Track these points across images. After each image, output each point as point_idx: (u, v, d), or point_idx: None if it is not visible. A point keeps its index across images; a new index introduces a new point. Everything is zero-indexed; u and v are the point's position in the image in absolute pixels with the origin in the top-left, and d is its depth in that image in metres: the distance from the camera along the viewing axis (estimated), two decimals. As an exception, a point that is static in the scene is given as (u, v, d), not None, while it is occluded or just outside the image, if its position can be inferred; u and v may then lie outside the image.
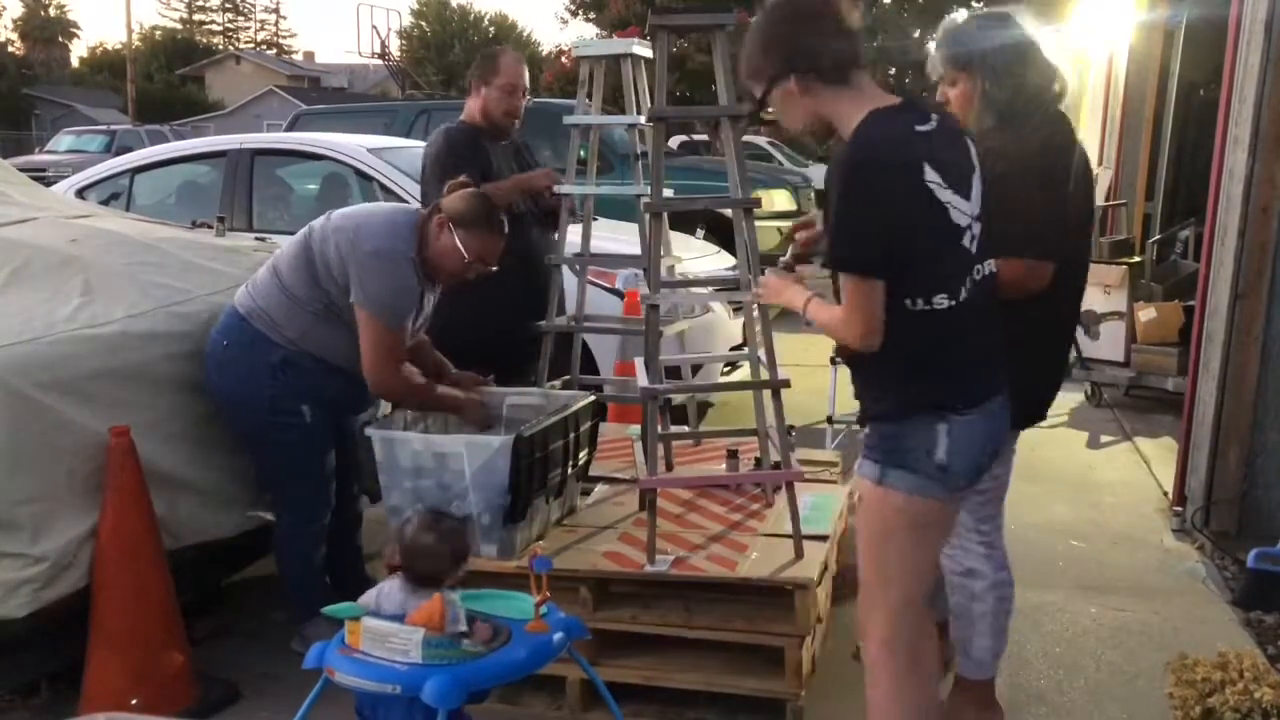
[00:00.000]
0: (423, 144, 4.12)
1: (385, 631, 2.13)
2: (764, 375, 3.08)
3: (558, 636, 2.25)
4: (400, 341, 2.97)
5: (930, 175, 1.98)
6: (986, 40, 2.48)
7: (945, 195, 2.00)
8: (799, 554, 2.90)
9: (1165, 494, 4.77)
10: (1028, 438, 5.88)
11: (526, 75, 3.94)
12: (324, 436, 3.09)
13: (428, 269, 2.99)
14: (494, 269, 3.05)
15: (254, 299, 3.03)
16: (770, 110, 2.13)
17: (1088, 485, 5.04)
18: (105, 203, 5.81)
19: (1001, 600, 2.74)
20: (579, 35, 34.46)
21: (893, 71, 6.05)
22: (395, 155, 5.69)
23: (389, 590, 2.27)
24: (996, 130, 2.45)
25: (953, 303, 2.03)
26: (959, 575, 2.74)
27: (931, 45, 2.63)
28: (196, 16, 67.01)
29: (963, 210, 2.04)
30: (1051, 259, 2.46)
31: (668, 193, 3.25)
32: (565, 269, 3.93)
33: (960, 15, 2.65)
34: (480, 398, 3.21)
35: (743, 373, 5.38)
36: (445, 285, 3.09)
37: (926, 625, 2.26)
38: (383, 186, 5.50)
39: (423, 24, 46.53)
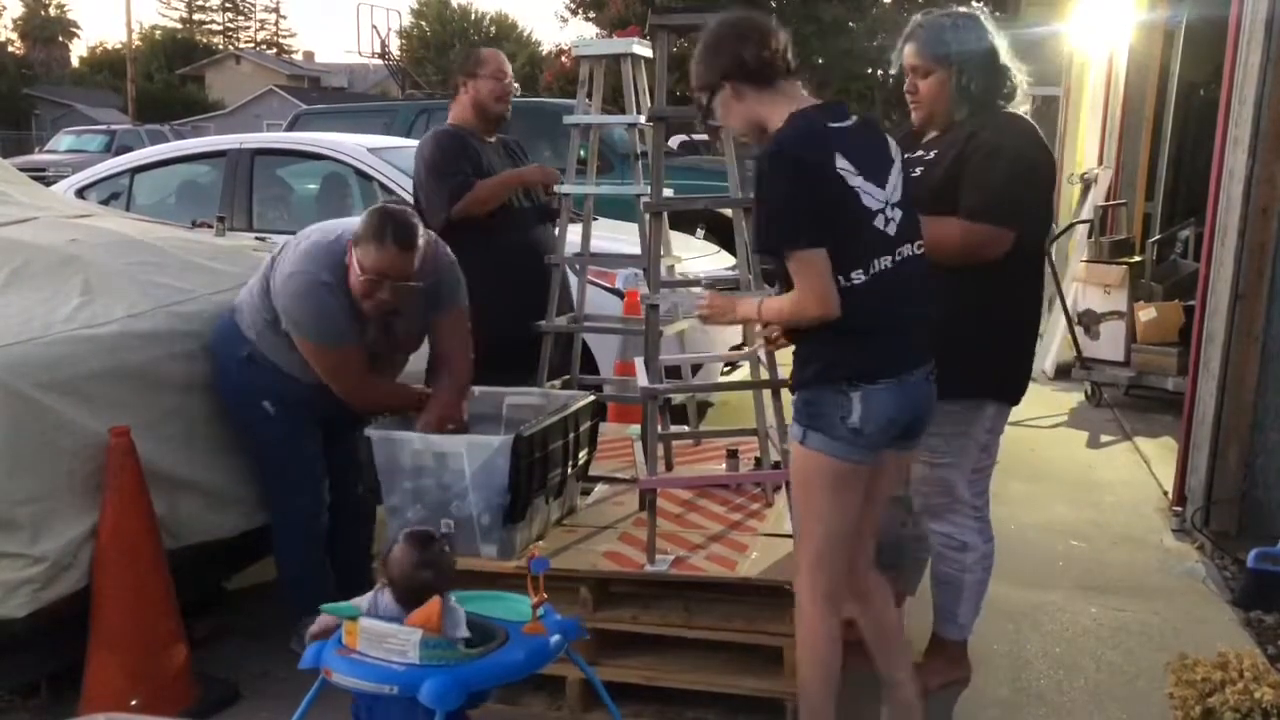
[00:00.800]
0: (418, 144, 4.12)
1: (383, 632, 2.13)
2: (764, 375, 3.08)
3: (555, 639, 2.26)
4: (346, 359, 2.96)
5: (841, 163, 2.24)
6: (964, 39, 2.75)
7: (855, 181, 2.25)
8: (799, 554, 2.89)
9: (1165, 494, 4.77)
10: (1028, 438, 5.94)
11: (508, 63, 3.96)
12: (294, 434, 3.08)
13: (353, 295, 2.92)
14: (407, 289, 2.90)
15: (241, 295, 3.11)
16: (715, 117, 2.42)
17: (1088, 485, 5.04)
18: (105, 203, 5.81)
19: (987, 570, 3.03)
20: (579, 35, 34.44)
21: (894, 71, 6.07)
22: (395, 155, 5.69)
23: (386, 602, 2.25)
24: (969, 119, 2.75)
25: (867, 278, 2.26)
26: (953, 550, 2.96)
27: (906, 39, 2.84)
28: (196, 16, 67.06)
29: (875, 196, 2.29)
30: (1009, 228, 2.71)
31: (668, 193, 3.25)
32: (569, 268, 3.93)
33: (933, 12, 2.86)
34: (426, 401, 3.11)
35: (743, 373, 5.38)
36: (373, 314, 2.95)
37: (844, 574, 2.47)
38: (383, 186, 5.50)
39: (423, 24, 46.56)
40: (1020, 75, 2.82)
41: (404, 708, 2.11)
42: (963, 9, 2.82)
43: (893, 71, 2.90)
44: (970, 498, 2.95)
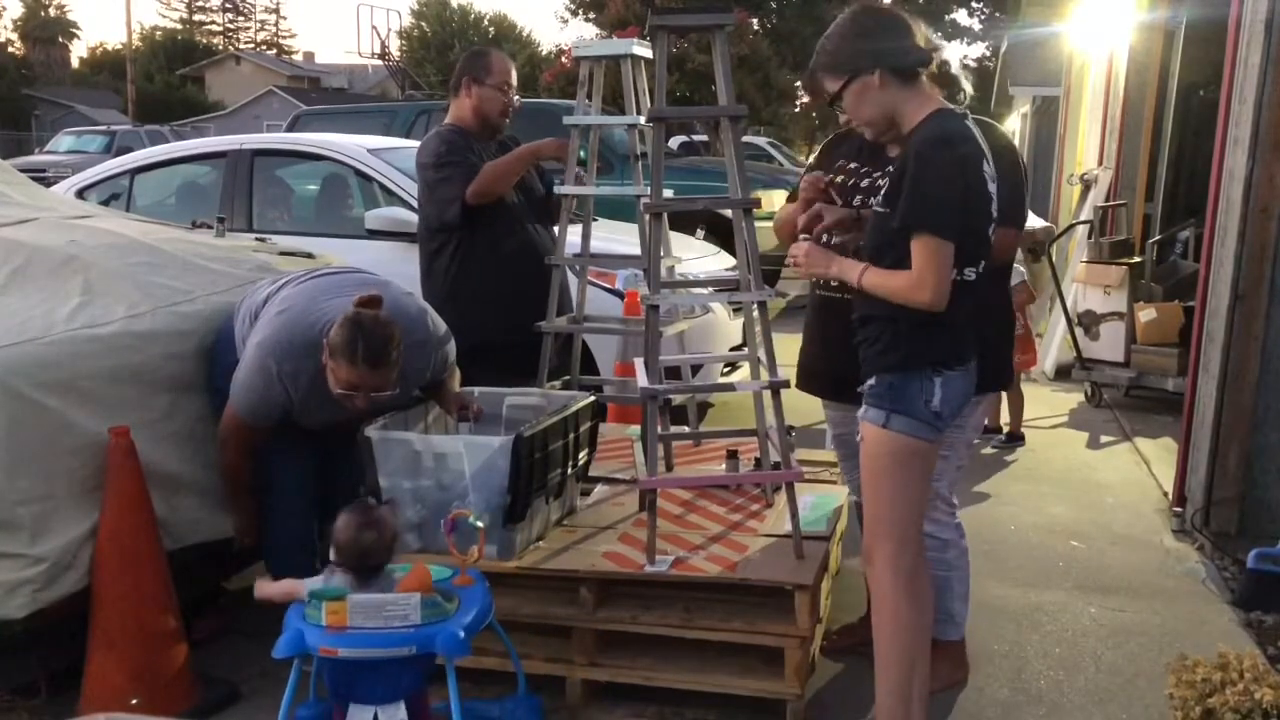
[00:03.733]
0: (420, 143, 4.10)
1: (380, 603, 2.28)
2: (764, 375, 3.08)
3: (485, 584, 2.55)
4: (245, 430, 2.96)
5: (987, 168, 2.37)
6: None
7: (991, 187, 2.38)
8: (799, 554, 2.90)
9: (1165, 494, 4.77)
10: (1028, 438, 5.92)
11: (515, 73, 3.94)
12: (278, 438, 3.05)
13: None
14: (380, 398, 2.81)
15: (240, 305, 3.13)
16: (842, 102, 2.45)
17: (1088, 485, 5.05)
18: (105, 203, 5.81)
19: (967, 564, 3.09)
20: (579, 35, 34.49)
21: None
22: (395, 155, 5.69)
23: (337, 581, 2.37)
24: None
25: (977, 276, 2.41)
26: (936, 550, 2.96)
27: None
28: (196, 17, 67.08)
29: (995, 202, 2.41)
30: (1019, 229, 2.90)
31: (668, 193, 3.25)
32: (569, 269, 3.92)
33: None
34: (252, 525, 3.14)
35: (742, 373, 5.38)
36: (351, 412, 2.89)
37: (924, 554, 2.57)
38: (382, 187, 5.50)
39: (423, 24, 46.52)
40: (965, 83, 2.76)
41: (391, 673, 2.31)
42: None
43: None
44: (946, 493, 3.00)
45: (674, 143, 16.59)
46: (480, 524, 2.61)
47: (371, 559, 2.38)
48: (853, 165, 2.95)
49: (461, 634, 2.31)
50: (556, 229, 3.89)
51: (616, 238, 5.16)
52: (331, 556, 2.40)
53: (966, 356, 2.46)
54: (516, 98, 3.90)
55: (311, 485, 3.13)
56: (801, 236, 2.72)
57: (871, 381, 2.46)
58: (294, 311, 2.95)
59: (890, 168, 2.82)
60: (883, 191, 2.47)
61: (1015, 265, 4.01)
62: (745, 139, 18.87)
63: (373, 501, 2.48)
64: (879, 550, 2.51)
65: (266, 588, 2.48)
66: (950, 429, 2.88)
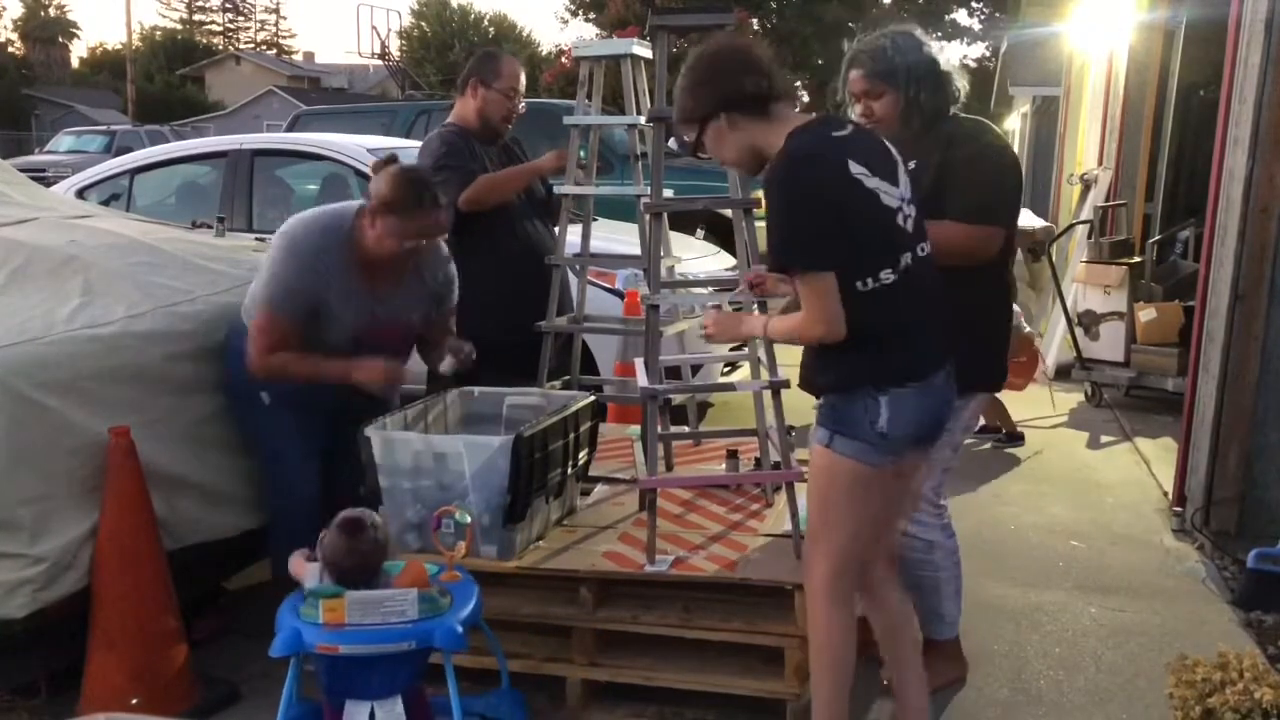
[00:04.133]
0: (422, 143, 4.10)
1: (378, 599, 2.31)
2: (764, 375, 3.08)
3: (469, 580, 2.58)
4: (275, 327, 2.94)
5: (855, 168, 2.24)
6: (907, 56, 2.82)
7: (873, 183, 2.26)
8: (799, 554, 2.89)
9: (1165, 494, 4.77)
10: (1028, 438, 5.92)
11: (523, 79, 3.93)
12: (288, 427, 3.07)
13: (367, 261, 2.97)
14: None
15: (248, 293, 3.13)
16: (704, 150, 2.42)
17: (1088, 485, 5.05)
18: (105, 203, 5.81)
19: (957, 564, 3.06)
20: (579, 35, 34.51)
21: (839, 99, 6.05)
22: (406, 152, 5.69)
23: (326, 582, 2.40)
24: (922, 132, 2.82)
25: (897, 275, 2.27)
26: (921, 552, 2.99)
27: (850, 66, 2.92)
28: (196, 17, 67.06)
29: (892, 195, 2.30)
30: (1004, 227, 2.82)
31: (668, 193, 3.25)
32: (569, 269, 3.92)
33: (895, 28, 2.93)
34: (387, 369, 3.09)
35: (742, 373, 5.38)
36: (389, 271, 3.03)
37: (859, 578, 2.48)
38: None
39: (423, 24, 46.50)
40: (962, 81, 2.90)
41: (388, 669, 2.35)
42: (896, 27, 2.91)
43: (838, 100, 2.96)
44: (932, 495, 2.97)
45: (674, 142, 16.60)
46: (467, 520, 2.63)
47: (358, 576, 2.39)
48: None
49: (459, 629, 2.34)
50: (557, 229, 3.89)
51: (616, 238, 5.16)
52: (318, 553, 2.43)
53: (918, 372, 2.31)
54: (522, 104, 3.91)
55: (318, 479, 3.15)
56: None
57: (819, 401, 2.39)
58: (305, 213, 3.07)
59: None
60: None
61: (1016, 307, 4.00)
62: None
63: (364, 514, 2.47)
64: (815, 570, 2.44)
65: (297, 564, 2.51)
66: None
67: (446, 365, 3.19)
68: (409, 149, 5.77)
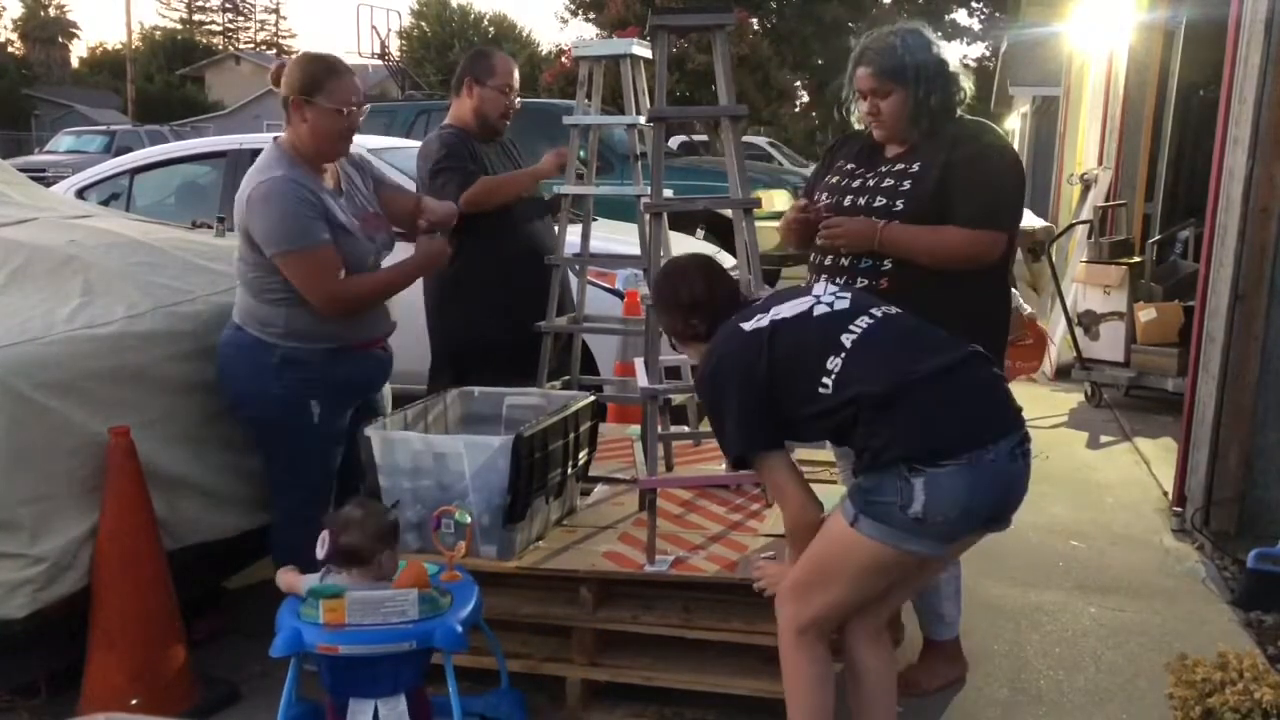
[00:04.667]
0: (421, 144, 4.10)
1: (378, 599, 2.31)
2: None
3: (469, 580, 2.58)
4: (324, 257, 2.88)
5: (762, 359, 2.22)
6: (915, 55, 2.76)
7: (791, 333, 2.24)
8: (799, 554, 2.90)
9: (1165, 494, 4.77)
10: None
11: (517, 75, 3.93)
12: (333, 437, 3.07)
13: (317, 156, 2.96)
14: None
15: (240, 307, 3.03)
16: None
17: (1088, 485, 5.05)
18: (105, 203, 5.81)
19: (956, 565, 2.98)
20: (579, 35, 34.48)
21: (844, 96, 6.05)
22: (395, 155, 5.68)
23: (334, 581, 2.40)
24: (929, 133, 2.79)
25: (844, 358, 2.18)
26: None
27: (856, 64, 2.87)
28: (196, 17, 67.08)
29: (801, 306, 2.30)
30: (1007, 231, 2.80)
31: (668, 193, 3.25)
32: (568, 269, 3.92)
33: (903, 26, 2.89)
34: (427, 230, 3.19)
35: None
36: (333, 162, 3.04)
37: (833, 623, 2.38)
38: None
39: (423, 24, 46.50)
40: (967, 81, 2.88)
41: (391, 669, 2.35)
42: (905, 25, 2.86)
43: (843, 97, 2.93)
44: None
45: (674, 143, 16.60)
46: (467, 520, 2.63)
47: (365, 552, 2.40)
48: (849, 166, 2.94)
49: (459, 628, 2.35)
50: (558, 229, 3.89)
51: (616, 238, 5.16)
52: (320, 554, 2.42)
53: (959, 448, 2.07)
54: (518, 100, 3.90)
55: (336, 468, 3.14)
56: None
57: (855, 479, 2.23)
58: (246, 177, 2.96)
59: (884, 169, 2.85)
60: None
61: (1014, 290, 4.00)
62: (745, 139, 18.87)
63: (370, 508, 2.50)
64: (785, 611, 2.32)
65: (285, 577, 2.51)
66: None
67: (425, 222, 3.19)
68: (409, 149, 5.77)
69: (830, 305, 2.30)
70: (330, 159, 3.03)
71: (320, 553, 2.42)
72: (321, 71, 2.94)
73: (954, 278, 2.70)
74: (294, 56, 3.01)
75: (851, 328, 2.23)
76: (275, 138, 3.04)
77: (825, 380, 2.18)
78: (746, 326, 2.30)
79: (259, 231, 2.87)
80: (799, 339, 2.25)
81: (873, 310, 2.30)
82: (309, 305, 2.92)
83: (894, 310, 2.32)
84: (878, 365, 2.16)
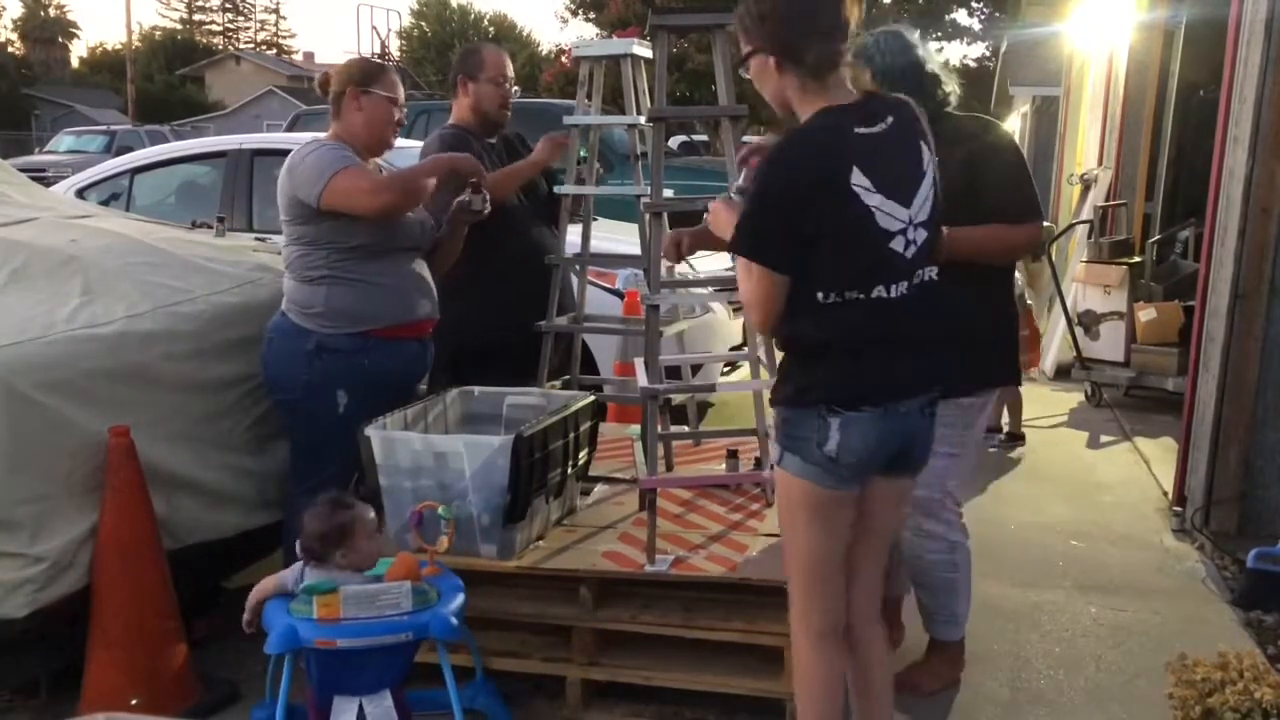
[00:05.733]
0: (423, 144, 4.10)
1: (373, 593, 2.36)
2: (764, 375, 3.08)
3: (450, 574, 2.61)
4: (363, 170, 3.08)
5: (858, 179, 2.05)
6: (889, 58, 2.82)
7: (873, 200, 2.07)
8: (799, 554, 2.89)
9: (1165, 494, 4.77)
10: (1028, 438, 5.90)
11: (510, 65, 3.94)
12: (355, 429, 3.06)
13: (367, 145, 3.17)
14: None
15: (285, 293, 3.14)
16: (748, 69, 2.23)
17: (1088, 485, 5.05)
18: (105, 203, 5.81)
19: (970, 563, 3.05)
20: (579, 35, 34.45)
21: None
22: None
23: (313, 577, 2.43)
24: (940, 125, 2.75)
25: (866, 299, 2.10)
26: (944, 553, 2.99)
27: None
28: (196, 17, 67.13)
29: (896, 216, 2.10)
30: (1041, 221, 2.91)
31: (668, 193, 3.25)
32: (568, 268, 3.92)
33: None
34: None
35: (742, 373, 5.38)
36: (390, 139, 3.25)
37: (837, 608, 2.31)
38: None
39: (423, 24, 46.55)
40: (952, 83, 2.89)
41: (380, 663, 2.39)
42: (887, 28, 2.90)
43: None
44: (958, 495, 3.00)
45: (674, 143, 16.61)
46: (448, 515, 2.64)
47: (330, 542, 2.44)
48: None
49: (454, 619, 2.38)
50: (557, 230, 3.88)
51: (616, 238, 5.16)
52: (298, 549, 2.46)
53: (876, 397, 2.13)
54: (515, 87, 3.91)
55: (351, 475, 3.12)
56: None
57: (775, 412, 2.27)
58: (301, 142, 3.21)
59: None
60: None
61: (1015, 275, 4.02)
62: (745, 139, 18.85)
63: (342, 501, 2.54)
64: (792, 603, 2.32)
65: (263, 586, 2.51)
66: (966, 429, 2.89)
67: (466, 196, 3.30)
68: (410, 149, 5.76)
69: (908, 244, 2.12)
70: (378, 150, 3.23)
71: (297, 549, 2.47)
72: (375, 68, 3.29)
73: (969, 275, 2.66)
74: (346, 63, 3.29)
75: (898, 285, 2.12)
76: (315, 137, 3.24)
77: (830, 295, 2.09)
78: (861, 130, 2.08)
79: (302, 182, 3.01)
80: (859, 236, 2.08)
81: (922, 272, 2.17)
82: (350, 283, 3.04)
83: (933, 276, 2.21)
84: (872, 323, 2.11)
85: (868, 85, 2.75)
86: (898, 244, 2.11)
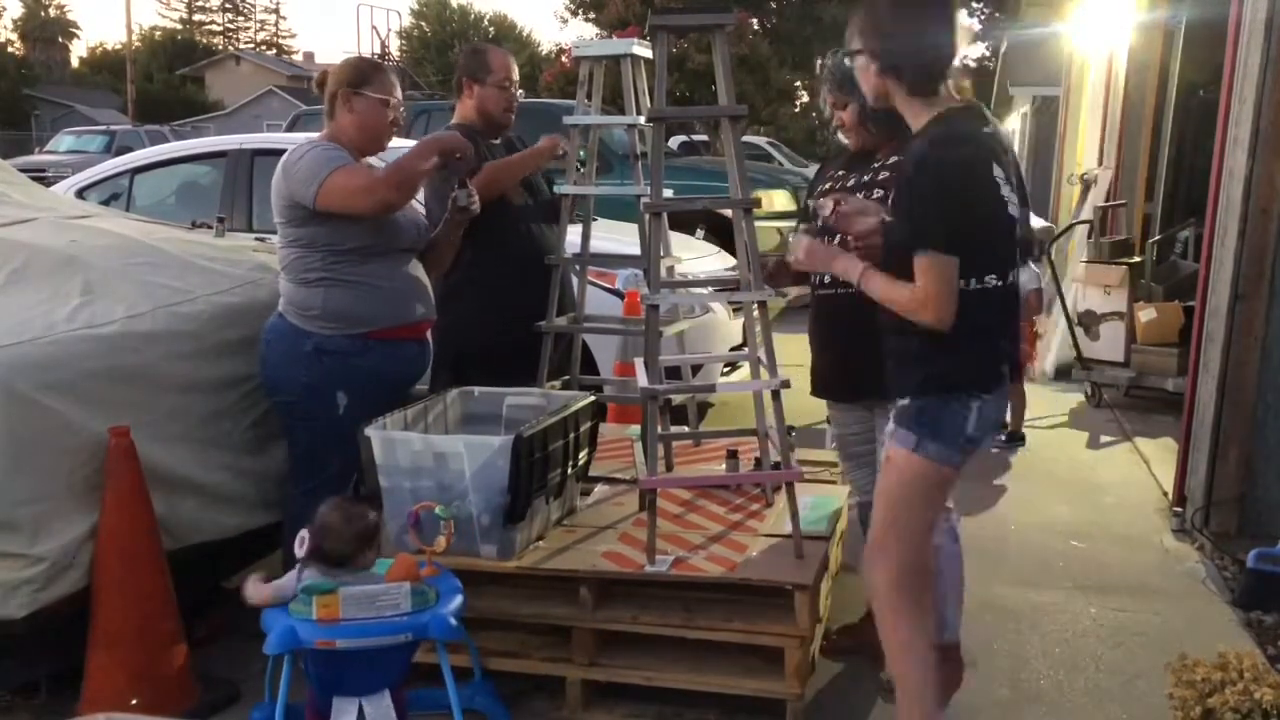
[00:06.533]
0: (407, 142, 4.09)
1: (373, 594, 2.36)
2: (764, 375, 3.08)
3: (445, 574, 2.61)
4: (357, 172, 3.06)
5: (997, 171, 2.26)
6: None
7: (1005, 191, 2.28)
8: (799, 554, 2.90)
9: (1165, 494, 4.77)
10: (1028, 438, 5.88)
11: (515, 69, 3.93)
12: (352, 435, 3.06)
13: (360, 148, 3.17)
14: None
15: (282, 294, 3.14)
16: (858, 59, 2.38)
17: (1088, 485, 5.05)
18: (105, 203, 5.80)
19: (955, 566, 3.03)
20: (579, 35, 34.44)
21: (827, 114, 6.03)
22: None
23: (308, 575, 2.43)
24: (881, 138, 2.90)
25: (1000, 284, 2.29)
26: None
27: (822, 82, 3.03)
28: (196, 17, 67.13)
29: (1014, 206, 2.32)
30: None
31: (668, 193, 3.25)
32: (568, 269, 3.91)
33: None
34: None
35: (742, 373, 5.38)
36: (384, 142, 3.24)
37: (929, 576, 2.50)
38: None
39: (423, 24, 46.53)
40: (965, 80, 2.88)
41: (370, 663, 2.39)
42: None
43: (826, 117, 3.06)
44: (950, 500, 2.94)
45: (674, 143, 16.60)
46: (446, 515, 2.64)
47: (348, 551, 2.44)
48: (840, 173, 3.04)
49: (453, 620, 2.39)
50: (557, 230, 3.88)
51: (616, 238, 5.16)
52: (298, 553, 2.44)
53: (1004, 377, 2.36)
54: (519, 91, 3.91)
55: (350, 477, 3.13)
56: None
57: (903, 401, 2.37)
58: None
59: (874, 164, 2.91)
60: (890, 199, 2.44)
61: (1033, 269, 4.05)
62: (745, 139, 18.87)
63: (357, 503, 2.55)
64: (882, 572, 2.42)
65: (259, 591, 2.49)
66: None
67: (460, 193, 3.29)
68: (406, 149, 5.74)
69: (1015, 234, 2.35)
70: (371, 151, 3.22)
71: (299, 552, 2.44)
72: (369, 67, 3.25)
73: None
74: (342, 62, 3.28)
75: (1012, 270, 2.35)
76: (309, 137, 3.22)
77: (972, 282, 2.25)
78: (984, 130, 2.30)
79: (298, 183, 2.99)
80: (1000, 222, 2.29)
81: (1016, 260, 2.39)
82: (348, 285, 3.04)
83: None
84: (1001, 307, 2.33)
85: (967, 91, 2.82)
86: (1015, 230, 2.34)
